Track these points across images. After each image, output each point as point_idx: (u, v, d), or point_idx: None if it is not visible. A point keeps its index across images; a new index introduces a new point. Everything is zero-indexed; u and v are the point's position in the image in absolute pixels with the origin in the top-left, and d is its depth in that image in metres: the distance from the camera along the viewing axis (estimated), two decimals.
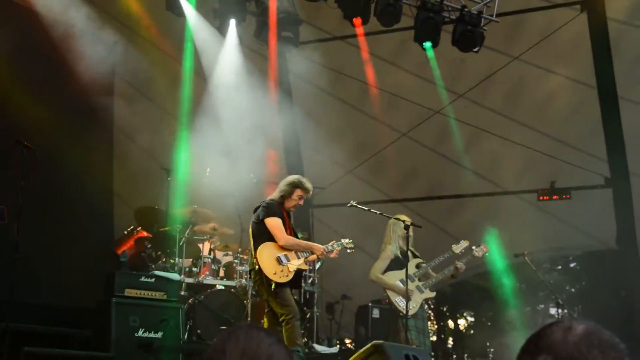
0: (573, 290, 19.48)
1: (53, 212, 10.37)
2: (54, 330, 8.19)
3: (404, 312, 8.73)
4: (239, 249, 10.39)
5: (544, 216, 12.88)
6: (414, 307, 8.78)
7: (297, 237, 8.32)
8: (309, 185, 8.27)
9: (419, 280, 9.13)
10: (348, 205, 8.79)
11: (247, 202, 10.40)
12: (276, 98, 13.57)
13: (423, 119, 13.08)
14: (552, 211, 12.95)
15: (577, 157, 12.36)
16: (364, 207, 8.89)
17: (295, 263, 7.90)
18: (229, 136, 12.15)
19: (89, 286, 9.32)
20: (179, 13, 11.57)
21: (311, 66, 13.34)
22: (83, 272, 9.80)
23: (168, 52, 12.61)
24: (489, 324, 22.55)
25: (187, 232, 9.89)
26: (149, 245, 9.89)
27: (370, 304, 11.13)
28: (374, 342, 7.01)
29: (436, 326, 24.49)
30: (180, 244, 9.71)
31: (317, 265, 11.11)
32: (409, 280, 8.64)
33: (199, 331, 9.24)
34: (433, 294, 9.31)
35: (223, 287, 9.92)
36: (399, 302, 8.92)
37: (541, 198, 12.79)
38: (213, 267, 10.02)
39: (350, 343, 14.70)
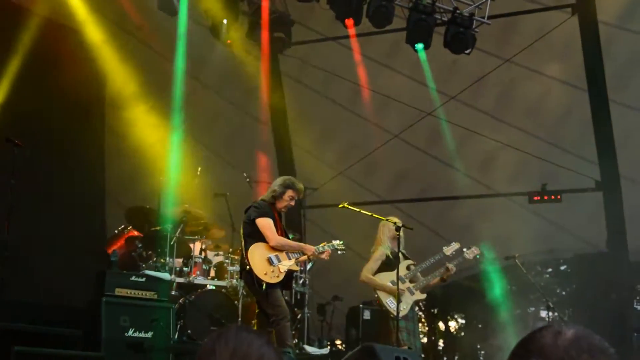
0: (564, 293, 19.50)
1: (44, 210, 10.34)
2: (44, 329, 8.13)
3: (395, 313, 8.74)
4: (230, 249, 10.37)
5: (535, 218, 12.91)
6: (404, 308, 8.78)
7: (288, 238, 8.32)
8: (300, 186, 8.28)
9: (410, 281, 9.13)
10: (340, 206, 8.80)
11: (238, 202, 10.40)
12: (268, 98, 13.59)
13: (415, 120, 13.10)
14: (543, 214, 12.99)
15: (568, 160, 12.40)
16: (355, 209, 8.91)
17: (286, 264, 7.89)
18: (221, 136, 12.16)
19: (80, 285, 9.29)
20: (171, 12, 11.56)
21: (303, 67, 13.38)
22: (73, 271, 9.77)
23: (159, 51, 12.60)
24: (480, 326, 22.54)
25: (178, 232, 9.87)
26: (140, 245, 9.86)
27: (361, 306, 11.11)
28: (365, 344, 7.02)
29: (427, 328, 24.47)
30: (171, 243, 9.68)
31: (308, 266, 11.10)
32: (399, 282, 8.64)
33: (189, 331, 9.21)
34: (424, 296, 9.31)
35: (214, 287, 9.90)
36: (390, 303, 8.92)
37: (533, 200, 12.81)
38: (204, 267, 9.99)
39: (341, 344, 14.70)
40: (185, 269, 9.86)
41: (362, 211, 8.94)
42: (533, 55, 12.20)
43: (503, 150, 12.68)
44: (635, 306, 14.25)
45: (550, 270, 20.69)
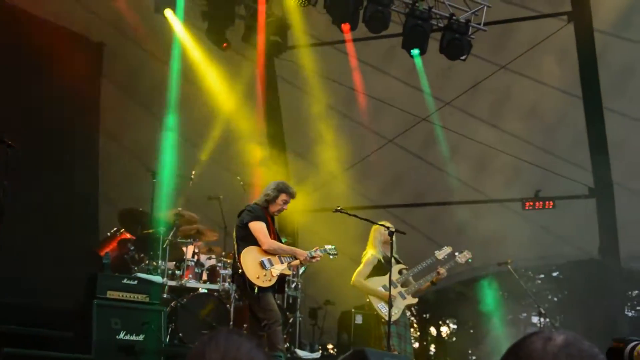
0: (555, 299, 19.51)
1: (36, 212, 10.32)
2: (35, 331, 8.12)
3: (386, 318, 8.74)
4: (223, 253, 10.38)
5: (528, 225, 12.93)
6: (395, 313, 8.78)
7: (281, 242, 8.33)
8: (293, 190, 8.29)
9: (402, 286, 9.14)
10: (333, 210, 8.80)
11: (232, 205, 10.40)
12: (263, 102, 13.59)
13: (409, 125, 13.12)
14: (536, 220, 13.00)
15: (562, 167, 12.43)
16: (349, 213, 8.91)
17: (279, 268, 7.89)
18: (215, 139, 12.15)
19: (71, 287, 9.25)
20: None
21: (299, 71, 13.38)
22: (65, 273, 9.73)
23: (155, 53, 12.60)
24: (472, 331, 22.55)
25: (170, 235, 9.86)
26: (132, 247, 9.84)
27: (353, 310, 11.12)
28: (356, 348, 7.03)
29: (418, 333, 24.47)
30: (164, 246, 9.67)
31: (301, 270, 11.10)
32: (391, 287, 8.65)
33: (180, 334, 9.20)
34: (415, 300, 9.32)
35: (206, 291, 9.89)
36: (381, 308, 8.93)
37: (526, 207, 12.82)
38: (196, 270, 9.98)
39: (333, 349, 14.69)
40: (177, 272, 9.84)
41: (356, 215, 8.95)
42: (528, 62, 12.24)
43: (497, 156, 12.70)
44: (626, 312, 14.29)
45: (542, 276, 20.71)
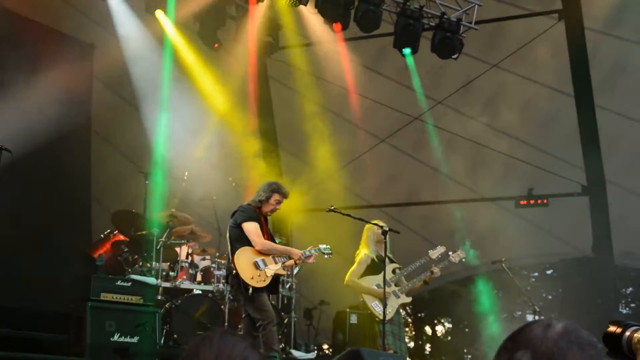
0: (550, 297, 19.61)
1: (29, 214, 10.28)
2: (29, 334, 8.11)
3: (380, 317, 8.74)
4: (217, 253, 10.36)
5: (522, 223, 12.95)
6: (389, 312, 8.78)
7: (274, 242, 8.32)
8: (286, 190, 8.26)
9: (395, 285, 9.15)
10: (327, 210, 8.79)
11: (225, 206, 10.39)
12: (255, 102, 13.57)
13: (402, 124, 13.12)
14: (529, 218, 13.02)
15: (555, 165, 12.45)
16: (342, 212, 8.90)
17: (273, 268, 7.88)
18: (208, 140, 12.12)
19: (65, 290, 9.24)
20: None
21: (291, 71, 13.37)
22: (59, 276, 9.72)
23: (146, 55, 12.56)
24: (467, 330, 22.63)
25: (164, 236, 9.84)
26: (126, 249, 9.83)
27: (348, 310, 11.11)
28: (351, 348, 7.03)
29: (414, 332, 24.53)
30: (158, 247, 9.67)
31: (295, 271, 11.09)
32: (385, 285, 8.65)
33: (175, 336, 9.19)
34: (409, 299, 9.33)
35: (200, 292, 9.88)
36: (375, 306, 8.93)
37: (521, 203, 12.83)
38: (190, 271, 9.97)
39: (328, 349, 14.69)
40: (171, 273, 9.83)
41: (349, 215, 8.94)
42: (520, 60, 12.26)
43: (490, 155, 12.71)
44: (620, 310, 14.33)
45: (536, 274, 20.83)
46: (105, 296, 8.10)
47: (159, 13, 11.30)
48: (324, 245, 8.45)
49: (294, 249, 8.42)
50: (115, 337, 7.88)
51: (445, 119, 12.94)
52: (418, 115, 13.01)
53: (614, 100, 12.25)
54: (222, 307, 9.63)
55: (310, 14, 11.61)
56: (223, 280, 9.66)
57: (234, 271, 7.74)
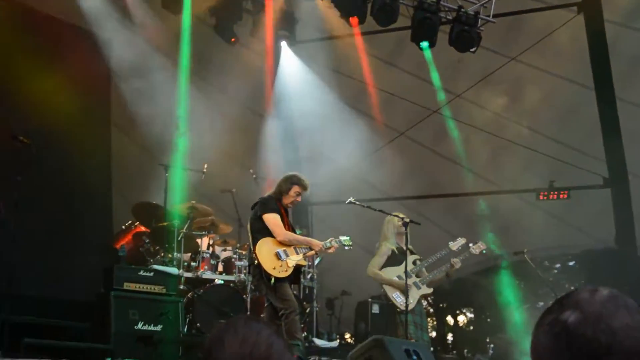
0: (572, 288, 19.46)
1: (51, 206, 10.37)
2: (54, 322, 8.20)
3: (401, 307, 8.78)
4: (238, 244, 10.42)
5: (543, 215, 12.93)
6: (411, 302, 8.81)
7: (295, 233, 8.36)
8: (306, 182, 8.29)
9: (416, 276, 9.18)
10: (347, 202, 8.82)
11: (245, 198, 10.45)
12: (273, 95, 13.62)
13: (421, 118, 13.12)
14: (551, 210, 13.00)
15: (576, 158, 12.40)
16: (362, 204, 8.93)
17: (294, 258, 7.93)
18: (227, 132, 12.18)
19: (88, 280, 9.33)
20: (175, 11, 11.61)
21: (308, 65, 13.41)
22: (82, 266, 9.80)
23: (164, 48, 12.64)
24: (489, 320, 22.56)
25: (185, 228, 9.91)
26: (147, 240, 9.89)
27: (370, 300, 11.17)
28: (375, 336, 7.05)
29: (435, 322, 24.49)
30: (179, 239, 9.72)
31: (316, 261, 11.14)
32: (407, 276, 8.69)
33: (198, 324, 9.26)
34: (430, 290, 9.36)
35: (222, 282, 9.94)
36: (396, 297, 8.97)
37: (540, 197, 12.81)
38: (212, 261, 10.02)
39: (350, 337, 14.74)
40: (193, 263, 9.89)
41: (369, 207, 8.97)
42: (539, 53, 12.22)
43: (510, 148, 12.69)
44: None
45: (558, 265, 20.71)
46: (129, 286, 8.16)
47: (176, 6, 11.37)
48: (344, 237, 8.49)
49: (315, 240, 8.46)
50: (139, 326, 7.94)
51: (465, 111, 12.93)
52: (437, 109, 13.00)
53: (635, 92, 12.21)
54: (244, 296, 9.69)
55: (326, 8, 11.64)
56: (244, 271, 9.72)
57: (256, 262, 7.80)
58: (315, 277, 11.22)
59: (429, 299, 10.14)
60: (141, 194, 11.41)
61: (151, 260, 9.54)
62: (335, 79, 13.37)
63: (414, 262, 9.20)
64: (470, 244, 9.41)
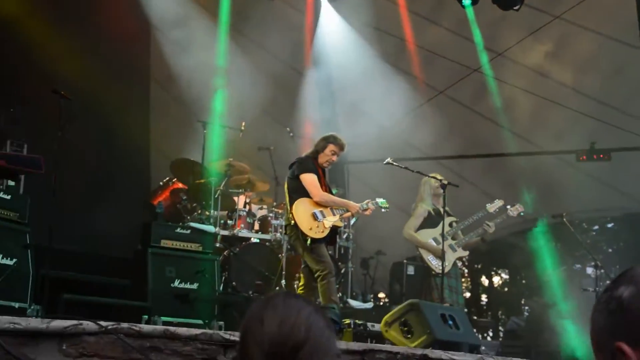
0: (610, 250, 19.33)
1: (90, 162, 10.48)
2: (93, 278, 8.32)
3: (437, 270, 8.76)
4: (274, 203, 10.43)
5: (583, 177, 12.73)
6: (446, 265, 8.78)
7: (332, 194, 8.33)
8: (342, 141, 8.21)
9: (452, 238, 9.12)
10: (384, 162, 8.75)
11: (282, 155, 10.44)
12: (311, 53, 13.50)
13: (461, 77, 12.92)
14: (591, 172, 12.79)
15: (618, 118, 12.14)
16: (400, 165, 8.85)
17: (331, 219, 7.91)
18: (265, 88, 12.12)
19: (126, 236, 9.43)
20: None
21: (348, 21, 13.24)
22: (120, 222, 9.90)
23: (204, 3, 12.57)
24: (524, 282, 22.54)
25: (222, 185, 9.94)
26: (185, 197, 9.94)
27: (405, 261, 11.16)
28: (411, 300, 7.06)
29: (470, 283, 24.53)
30: (216, 196, 9.76)
31: (352, 221, 11.12)
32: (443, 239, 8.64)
33: (234, 283, 9.34)
34: (466, 253, 9.31)
35: (258, 241, 9.98)
36: (432, 260, 8.95)
37: (581, 159, 12.60)
38: (248, 220, 10.06)
39: (385, 297, 14.80)
40: (229, 221, 9.93)
41: (407, 168, 8.89)
42: (584, 11, 11.88)
43: (551, 108, 12.47)
44: None
45: (596, 227, 20.56)
46: (165, 243, 8.24)
47: None
48: (381, 199, 8.45)
49: (352, 201, 8.43)
50: (176, 284, 8.03)
51: (506, 71, 12.70)
52: (477, 68, 12.79)
53: None
54: (280, 256, 9.73)
55: None
56: (281, 230, 9.75)
57: (293, 222, 7.80)
58: (351, 237, 11.23)
59: (463, 260, 10.07)
60: (179, 150, 11.44)
61: (188, 217, 9.60)
62: (376, 36, 13.18)
63: (450, 224, 9.14)
64: (508, 206, 9.31)
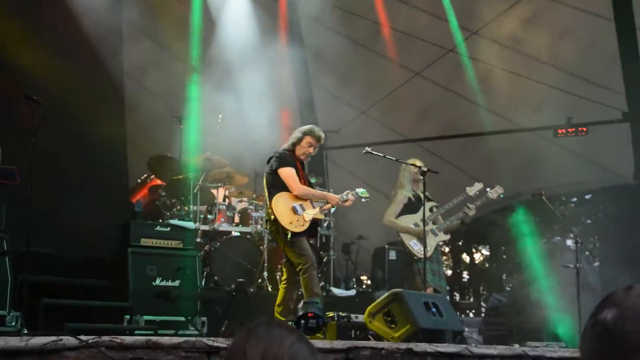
0: (589, 221, 19.49)
1: (65, 164, 10.33)
2: (72, 281, 8.24)
3: (418, 255, 8.76)
4: (254, 195, 10.39)
5: (561, 152, 12.75)
6: (428, 250, 8.77)
7: (311, 185, 8.29)
8: (319, 133, 8.12)
9: (433, 223, 9.13)
10: (363, 152, 8.70)
11: (259, 147, 10.37)
12: (286, 39, 13.40)
13: (436, 57, 12.88)
14: (569, 147, 12.81)
15: (594, 92, 12.14)
16: (379, 154, 8.78)
17: (311, 212, 7.87)
18: (240, 80, 12.02)
19: (105, 237, 9.35)
20: None
21: (321, 6, 13.13)
22: (98, 223, 9.79)
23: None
24: (504, 257, 22.68)
25: (201, 180, 9.88)
26: (163, 194, 9.89)
27: (386, 246, 11.16)
28: (394, 290, 7.05)
29: (451, 261, 24.65)
30: (195, 191, 9.71)
31: (332, 210, 11.09)
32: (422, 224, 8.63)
33: (216, 278, 9.32)
34: (447, 237, 9.32)
35: (239, 234, 9.95)
36: (413, 245, 8.95)
37: (558, 134, 12.62)
38: (228, 213, 10.03)
39: (367, 280, 14.83)
40: (209, 216, 9.89)
41: (386, 156, 8.83)
42: None
43: (526, 84, 12.45)
44: None
45: (575, 199, 20.69)
46: (145, 241, 8.21)
47: None
48: (361, 190, 8.41)
49: (331, 193, 8.39)
50: (157, 282, 8.01)
51: (481, 49, 12.66)
52: (452, 48, 12.74)
53: None
54: (261, 248, 9.70)
55: None
56: (261, 222, 9.72)
57: (272, 217, 7.75)
58: (332, 225, 11.21)
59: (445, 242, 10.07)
60: (156, 147, 11.34)
61: (167, 213, 9.55)
62: (349, 20, 13.10)
63: (431, 209, 9.13)
64: (488, 189, 9.31)
